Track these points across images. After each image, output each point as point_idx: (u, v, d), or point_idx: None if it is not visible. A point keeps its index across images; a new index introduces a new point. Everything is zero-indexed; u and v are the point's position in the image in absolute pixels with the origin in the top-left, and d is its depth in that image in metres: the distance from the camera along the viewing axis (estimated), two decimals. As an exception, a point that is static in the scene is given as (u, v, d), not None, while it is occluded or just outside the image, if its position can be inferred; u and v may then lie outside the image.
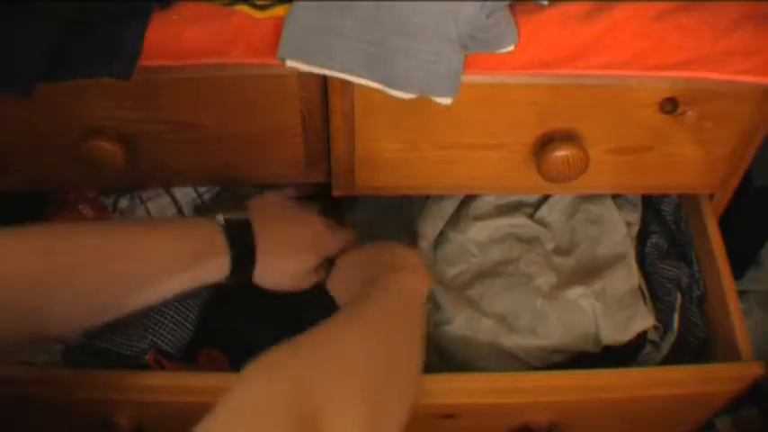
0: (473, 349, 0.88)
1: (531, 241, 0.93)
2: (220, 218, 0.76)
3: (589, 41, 0.72)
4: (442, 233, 0.95)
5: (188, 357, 0.88)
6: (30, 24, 0.69)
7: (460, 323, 0.88)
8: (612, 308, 0.89)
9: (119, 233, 0.71)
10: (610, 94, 0.76)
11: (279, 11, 0.71)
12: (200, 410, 0.83)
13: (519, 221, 0.94)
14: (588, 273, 0.91)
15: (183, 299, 0.80)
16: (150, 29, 0.71)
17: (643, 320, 0.89)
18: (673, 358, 0.90)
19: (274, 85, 0.76)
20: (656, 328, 0.90)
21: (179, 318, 0.88)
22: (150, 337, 0.87)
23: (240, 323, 0.88)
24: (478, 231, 0.93)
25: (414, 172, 0.85)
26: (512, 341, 0.88)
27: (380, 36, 0.67)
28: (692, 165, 0.84)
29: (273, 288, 0.80)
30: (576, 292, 0.89)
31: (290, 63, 0.70)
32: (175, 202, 0.96)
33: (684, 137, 0.80)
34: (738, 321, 0.87)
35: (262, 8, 0.71)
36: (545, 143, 0.79)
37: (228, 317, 0.88)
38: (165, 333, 0.87)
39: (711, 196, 0.91)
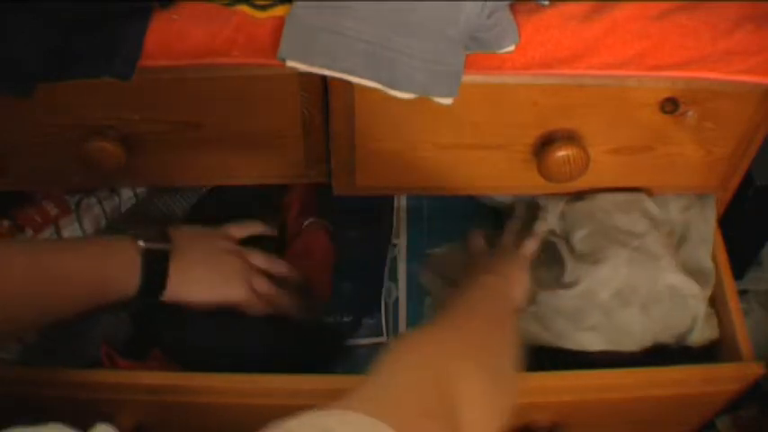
0: (581, 319, 0.86)
1: (653, 219, 0.91)
2: (142, 243, 0.80)
3: (589, 41, 0.72)
4: (568, 203, 0.93)
5: (139, 357, 0.88)
6: (30, 24, 0.69)
7: (580, 290, 0.86)
8: (709, 315, 0.88)
9: (47, 260, 0.76)
10: (610, 94, 0.76)
11: (279, 11, 0.71)
12: (201, 410, 0.84)
13: (642, 197, 0.91)
14: (698, 272, 0.90)
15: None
16: (150, 29, 0.71)
17: (714, 331, 0.89)
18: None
19: (274, 85, 0.76)
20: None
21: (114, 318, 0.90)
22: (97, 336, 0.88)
23: (173, 321, 0.88)
24: (603, 199, 0.90)
25: (414, 172, 0.85)
26: (623, 317, 0.86)
27: (381, 36, 0.67)
28: (693, 165, 0.84)
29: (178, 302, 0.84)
30: (691, 289, 0.87)
31: (290, 63, 0.70)
32: (121, 203, 0.99)
33: (685, 137, 0.80)
34: (739, 321, 0.87)
35: (262, 8, 0.71)
36: (545, 143, 0.79)
37: (163, 316, 0.89)
38: (108, 333, 0.89)
39: (712, 196, 0.92)
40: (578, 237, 0.89)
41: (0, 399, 0.82)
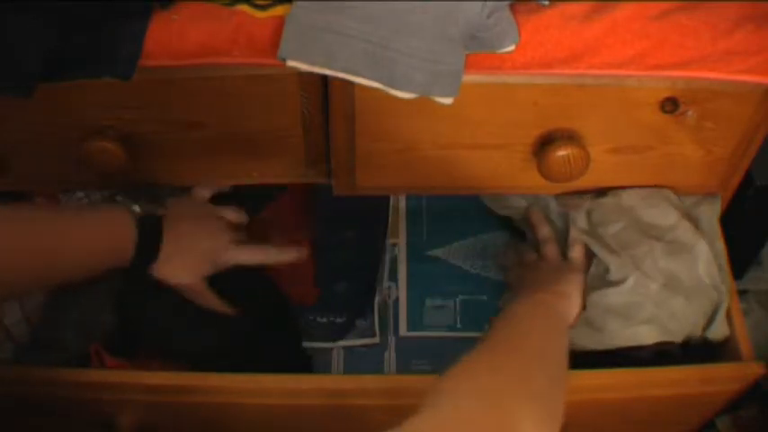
0: (635, 314, 0.85)
1: (680, 209, 0.90)
2: (137, 208, 0.81)
3: (589, 41, 0.72)
4: (593, 200, 0.92)
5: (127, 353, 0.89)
6: (30, 24, 0.69)
7: (630, 284, 0.85)
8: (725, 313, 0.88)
9: (42, 227, 0.77)
10: (610, 94, 0.76)
11: (279, 10, 0.71)
12: (201, 410, 0.84)
13: (664, 190, 0.90)
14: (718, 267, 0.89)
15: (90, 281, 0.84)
16: (151, 29, 0.71)
17: (726, 329, 0.88)
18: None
19: (274, 85, 0.76)
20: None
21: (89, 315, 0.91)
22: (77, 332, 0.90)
23: (158, 318, 0.91)
24: (628, 195, 0.90)
25: (414, 172, 0.85)
26: (673, 306, 0.85)
27: (381, 36, 0.67)
28: (693, 164, 0.84)
29: (165, 280, 0.85)
30: (714, 278, 0.87)
31: (290, 63, 0.70)
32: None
33: (685, 136, 0.80)
34: (738, 321, 0.87)
35: (262, 8, 0.71)
36: (545, 143, 0.79)
37: (147, 313, 0.91)
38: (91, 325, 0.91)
39: (712, 196, 0.92)
40: (611, 232, 0.88)
41: (0, 399, 0.82)
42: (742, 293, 1.10)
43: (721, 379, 0.84)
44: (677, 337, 0.86)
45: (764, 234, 1.09)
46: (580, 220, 0.90)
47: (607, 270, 0.87)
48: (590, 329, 0.86)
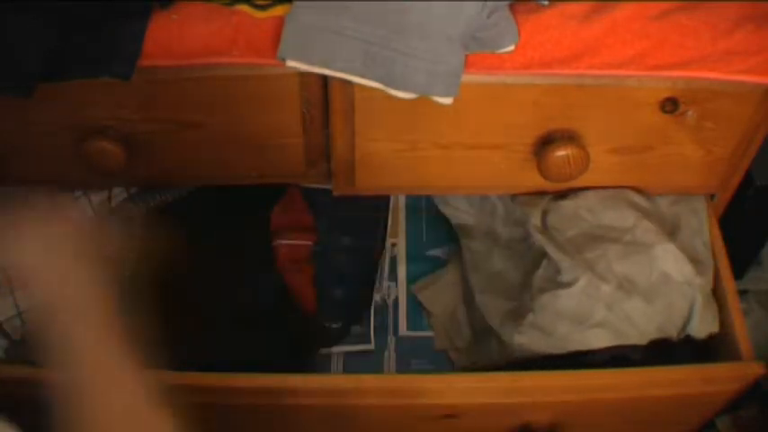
0: (586, 318, 0.84)
1: (641, 210, 0.89)
2: None
3: (589, 41, 0.72)
4: (550, 201, 0.91)
5: None
6: (30, 24, 0.69)
7: (582, 286, 0.84)
8: (707, 304, 0.87)
9: None
10: (610, 94, 0.76)
11: (279, 10, 0.71)
12: (200, 410, 0.83)
13: (626, 191, 0.90)
14: (694, 261, 0.88)
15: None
16: (150, 29, 0.71)
17: (714, 324, 0.88)
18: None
19: (274, 85, 0.76)
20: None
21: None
22: None
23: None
24: (588, 197, 0.89)
25: (414, 172, 0.85)
26: (628, 308, 0.84)
27: (381, 35, 0.67)
28: (693, 164, 0.84)
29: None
30: (685, 275, 0.86)
31: (290, 63, 0.70)
32: (111, 197, 0.98)
33: (685, 136, 0.80)
34: (738, 321, 0.87)
35: (262, 8, 0.71)
36: (545, 143, 0.79)
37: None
38: None
39: (711, 196, 0.92)
40: (567, 236, 0.88)
41: (3, 399, 0.82)
42: (742, 293, 1.10)
43: (721, 379, 0.84)
44: (635, 340, 0.85)
45: (764, 234, 1.09)
46: (534, 219, 0.89)
47: (559, 271, 0.86)
48: (541, 333, 0.85)
